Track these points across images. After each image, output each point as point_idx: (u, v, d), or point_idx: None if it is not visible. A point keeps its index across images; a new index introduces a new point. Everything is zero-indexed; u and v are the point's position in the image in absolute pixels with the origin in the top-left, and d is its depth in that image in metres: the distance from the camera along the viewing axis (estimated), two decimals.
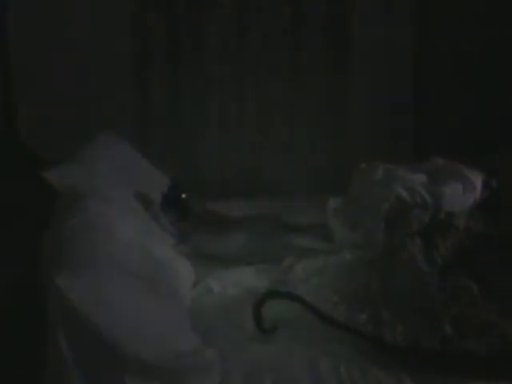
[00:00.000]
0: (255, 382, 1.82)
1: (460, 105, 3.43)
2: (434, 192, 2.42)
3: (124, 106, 3.28)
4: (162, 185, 2.79)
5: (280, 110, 3.44)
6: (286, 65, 3.40)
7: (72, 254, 1.92)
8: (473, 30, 3.37)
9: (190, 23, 3.27)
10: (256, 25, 3.31)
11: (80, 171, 2.36)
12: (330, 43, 3.38)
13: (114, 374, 1.72)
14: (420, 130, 3.50)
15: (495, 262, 2.09)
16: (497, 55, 3.39)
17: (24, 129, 3.13)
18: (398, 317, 1.96)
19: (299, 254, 2.37)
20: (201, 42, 3.30)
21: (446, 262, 2.12)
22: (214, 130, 3.43)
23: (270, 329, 2.01)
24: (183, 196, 2.71)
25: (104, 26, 3.17)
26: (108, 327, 1.74)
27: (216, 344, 1.93)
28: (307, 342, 1.97)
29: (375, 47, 3.42)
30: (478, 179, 2.53)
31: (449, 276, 2.06)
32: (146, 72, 3.31)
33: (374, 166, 2.56)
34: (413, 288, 2.04)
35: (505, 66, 3.40)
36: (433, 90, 3.47)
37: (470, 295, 1.99)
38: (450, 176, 2.52)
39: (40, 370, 1.75)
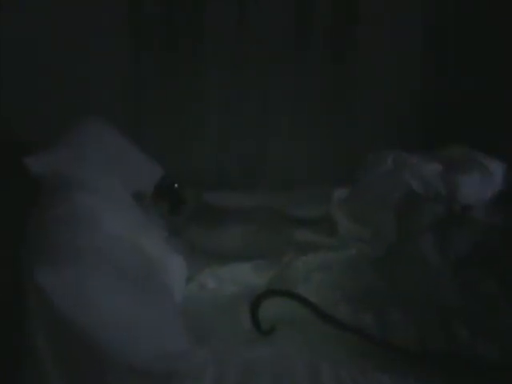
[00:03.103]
0: None
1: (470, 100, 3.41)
2: (449, 182, 2.40)
3: (115, 92, 3.25)
4: (155, 175, 2.76)
5: (282, 98, 3.41)
6: (289, 52, 3.36)
7: (54, 247, 1.90)
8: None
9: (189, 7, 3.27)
10: (257, 11, 3.29)
11: (64, 158, 2.30)
12: (334, 30, 3.35)
13: (98, 378, 1.71)
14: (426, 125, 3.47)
15: None
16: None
17: (10, 119, 3.07)
18: (406, 318, 1.96)
19: (300, 249, 2.36)
20: (200, 27, 3.29)
21: (461, 259, 2.11)
22: (213, 117, 3.40)
23: (267, 329, 2.01)
24: (176, 186, 2.69)
25: (98, 13, 3.14)
26: (92, 328, 1.73)
27: (210, 345, 1.93)
28: (307, 343, 1.97)
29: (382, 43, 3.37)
30: (498, 170, 2.51)
31: (463, 274, 2.06)
32: (141, 58, 3.28)
33: (383, 154, 2.53)
34: (423, 287, 2.04)
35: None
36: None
37: (486, 295, 1.99)
38: (468, 165, 2.50)
39: (19, 375, 1.76)
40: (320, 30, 3.35)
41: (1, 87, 3.14)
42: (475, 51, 3.35)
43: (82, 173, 2.25)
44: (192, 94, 3.36)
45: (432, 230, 2.20)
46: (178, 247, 2.47)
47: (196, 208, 2.71)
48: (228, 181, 3.40)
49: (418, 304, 2.00)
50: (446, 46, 3.39)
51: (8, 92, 3.15)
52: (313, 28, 3.35)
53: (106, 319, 1.77)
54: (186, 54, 3.31)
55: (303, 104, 3.44)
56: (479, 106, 3.29)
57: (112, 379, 1.72)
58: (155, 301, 1.95)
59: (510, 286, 2.00)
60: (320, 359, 1.89)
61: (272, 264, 2.35)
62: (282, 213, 2.68)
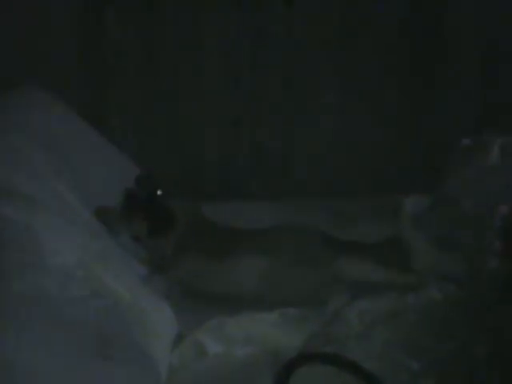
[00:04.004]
0: None
1: None
2: None
3: (68, 56, 3.18)
4: (127, 176, 2.56)
5: (318, 68, 3.32)
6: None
7: None
8: None
9: None
10: None
11: None
12: None
13: None
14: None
15: None
16: None
17: None
18: None
19: (354, 290, 2.23)
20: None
21: None
22: (213, 95, 3.30)
23: None
24: (159, 193, 2.49)
25: None
26: None
27: None
28: None
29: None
30: None
31: None
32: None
33: (485, 140, 2.29)
34: None
35: None
36: None
37: None
38: None
39: None
40: None
41: None
42: None
43: (11, 174, 2.07)
44: (183, 54, 3.27)
45: None
46: (164, 289, 2.32)
47: (191, 228, 2.58)
48: (237, 188, 3.37)
49: None
50: None
51: None
52: None
53: None
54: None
55: (348, 79, 3.35)
56: None
57: None
58: (128, 373, 1.70)
59: None
60: None
61: (309, 314, 2.18)
62: (321, 234, 2.55)
